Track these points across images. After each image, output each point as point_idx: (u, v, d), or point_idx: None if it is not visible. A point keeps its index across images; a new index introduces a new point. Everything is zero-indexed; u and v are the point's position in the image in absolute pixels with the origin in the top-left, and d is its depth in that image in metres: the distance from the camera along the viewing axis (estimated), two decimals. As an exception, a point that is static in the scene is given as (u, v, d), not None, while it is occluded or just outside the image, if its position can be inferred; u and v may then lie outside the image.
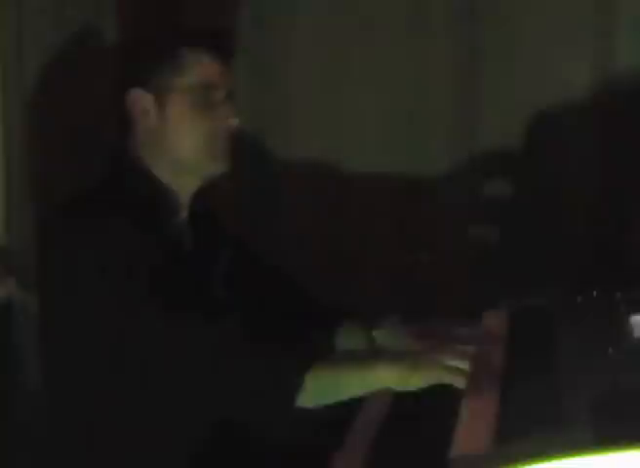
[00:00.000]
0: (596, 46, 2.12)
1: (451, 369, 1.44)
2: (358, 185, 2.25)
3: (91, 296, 1.49)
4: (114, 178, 1.62)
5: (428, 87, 2.20)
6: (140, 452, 1.57)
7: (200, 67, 1.59)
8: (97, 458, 1.57)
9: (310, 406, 1.45)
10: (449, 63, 2.19)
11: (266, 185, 2.28)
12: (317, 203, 2.27)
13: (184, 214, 1.66)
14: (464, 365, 1.46)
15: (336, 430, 1.51)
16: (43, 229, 1.65)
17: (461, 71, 2.19)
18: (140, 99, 1.59)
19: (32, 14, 2.18)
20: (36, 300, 1.98)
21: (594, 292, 1.66)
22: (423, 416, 1.46)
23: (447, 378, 1.43)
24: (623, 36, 2.10)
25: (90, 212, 1.54)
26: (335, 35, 2.22)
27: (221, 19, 2.15)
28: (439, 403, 1.42)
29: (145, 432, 1.56)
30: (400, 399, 1.50)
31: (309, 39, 2.23)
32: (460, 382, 1.42)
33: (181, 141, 1.60)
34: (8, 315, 2.07)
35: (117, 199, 1.56)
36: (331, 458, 1.44)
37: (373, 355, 1.57)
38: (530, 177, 2.19)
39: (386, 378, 1.44)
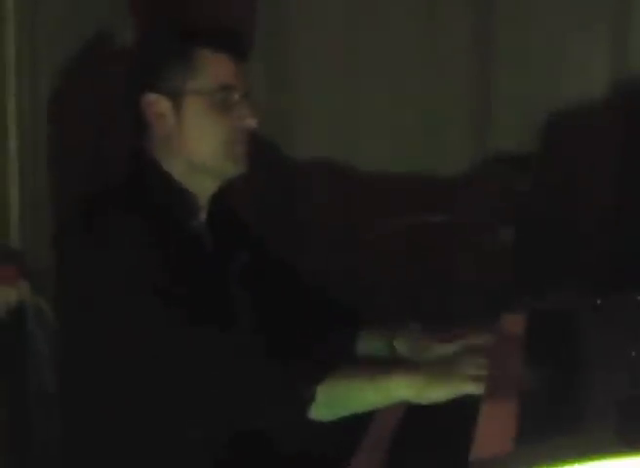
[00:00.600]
0: (613, 45, 2.10)
1: (471, 377, 1.40)
2: (373, 186, 2.23)
3: (109, 298, 1.47)
4: (132, 180, 1.60)
5: (443, 87, 2.18)
6: (153, 459, 1.55)
7: (215, 69, 1.57)
8: (110, 463, 1.56)
9: (323, 418, 1.42)
10: (463, 63, 2.17)
11: (281, 186, 2.26)
12: (331, 204, 2.25)
13: (203, 215, 1.65)
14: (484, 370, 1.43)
15: (348, 439, 1.49)
16: (61, 230, 1.63)
17: (476, 71, 2.17)
18: (156, 103, 1.57)
19: (46, 16, 2.18)
20: (49, 304, 1.99)
21: (614, 295, 1.64)
22: (439, 422, 1.44)
23: (468, 388, 1.38)
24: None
25: (109, 213, 1.52)
26: (348, 36, 2.21)
27: (237, 19, 2.13)
28: (456, 407, 1.40)
29: (158, 438, 1.54)
30: (414, 406, 1.48)
31: (323, 39, 2.21)
32: (480, 389, 1.38)
33: (199, 145, 1.58)
34: (22, 319, 2.07)
35: (135, 201, 1.54)
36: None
37: (388, 367, 1.51)
38: (547, 178, 2.17)
39: (404, 392, 1.40)
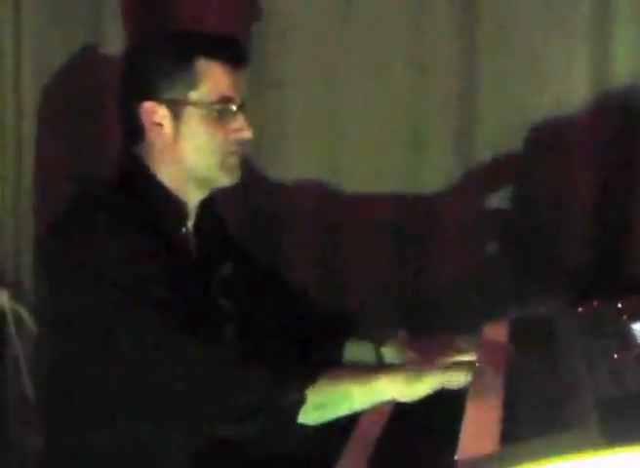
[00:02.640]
0: (594, 55, 2.12)
1: (454, 368, 1.41)
2: (357, 200, 2.23)
3: (93, 301, 1.46)
4: (121, 186, 1.58)
5: (426, 103, 2.20)
6: (136, 464, 1.54)
7: (215, 80, 1.55)
8: (92, 466, 1.54)
9: (311, 422, 1.42)
10: (448, 74, 2.18)
11: (265, 198, 2.26)
12: (315, 221, 2.25)
13: (191, 222, 1.64)
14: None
15: (333, 441, 1.49)
16: (47, 234, 1.60)
17: (458, 86, 2.18)
18: (154, 112, 1.55)
19: (32, 22, 2.19)
20: (29, 311, 1.98)
21: (595, 302, 1.65)
22: (424, 423, 1.44)
23: (452, 380, 1.39)
24: (621, 41, 2.10)
25: (97, 217, 1.51)
26: (332, 47, 2.22)
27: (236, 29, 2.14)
28: (441, 408, 1.41)
29: (139, 445, 1.53)
30: (400, 407, 1.48)
31: (307, 53, 2.22)
32: (464, 379, 1.39)
33: (195, 155, 1.57)
34: (1, 326, 2.06)
35: (124, 206, 1.53)
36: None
37: (375, 369, 1.53)
38: (528, 188, 2.18)
39: (390, 390, 1.41)
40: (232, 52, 1.58)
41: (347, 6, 2.20)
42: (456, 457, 1.18)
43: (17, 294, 2.13)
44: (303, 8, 2.21)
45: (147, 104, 1.55)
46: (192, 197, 1.62)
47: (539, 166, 2.17)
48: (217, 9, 2.19)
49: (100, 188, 1.61)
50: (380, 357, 1.68)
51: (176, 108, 1.55)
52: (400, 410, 1.47)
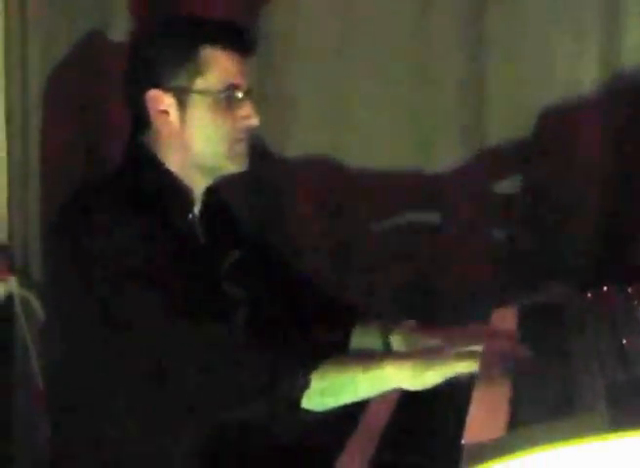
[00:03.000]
0: (603, 41, 2.10)
1: (463, 356, 1.39)
2: (364, 183, 2.22)
3: (101, 288, 1.46)
4: (129, 173, 1.58)
5: (435, 83, 2.18)
6: (142, 451, 1.54)
7: (221, 67, 1.54)
8: (100, 453, 1.54)
9: (316, 408, 1.41)
10: (455, 58, 2.16)
11: (270, 182, 2.25)
12: (322, 201, 2.24)
13: (197, 209, 1.64)
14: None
15: (340, 429, 1.49)
16: (54, 221, 1.60)
17: (468, 67, 2.17)
18: (160, 100, 1.55)
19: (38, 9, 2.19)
20: (37, 297, 1.99)
21: (604, 287, 1.64)
22: (431, 409, 1.43)
23: (460, 368, 1.37)
24: (632, 25, 2.08)
25: (104, 204, 1.50)
26: (339, 30, 2.20)
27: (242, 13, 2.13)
28: (448, 394, 1.40)
29: (147, 430, 1.53)
30: (406, 395, 1.47)
31: (314, 34, 2.20)
32: (472, 368, 1.37)
33: (202, 143, 1.56)
34: (9, 311, 2.07)
35: (131, 193, 1.52)
36: (335, 458, 1.42)
37: (381, 356, 1.53)
38: (538, 173, 2.16)
39: (396, 378, 1.39)
40: (238, 39, 1.57)
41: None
42: (462, 441, 1.18)
43: (25, 281, 2.14)
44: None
45: (153, 92, 1.54)
46: (198, 184, 1.62)
47: (548, 151, 2.15)
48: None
49: (107, 175, 1.62)
50: (387, 345, 1.67)
51: (181, 96, 1.54)
52: (408, 398, 1.46)
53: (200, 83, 1.54)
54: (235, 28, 1.59)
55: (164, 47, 1.55)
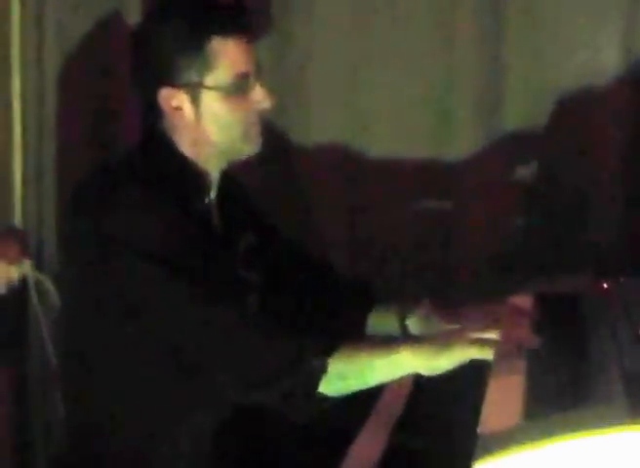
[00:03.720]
0: (625, 25, 2.07)
1: (480, 341, 1.39)
2: (380, 169, 2.21)
3: (116, 271, 1.46)
4: (144, 157, 1.58)
5: (453, 70, 2.16)
6: (157, 438, 1.54)
7: (230, 58, 1.53)
8: (115, 437, 1.55)
9: (333, 393, 1.42)
10: (474, 45, 2.14)
11: (288, 167, 2.25)
12: (337, 186, 2.23)
13: (214, 193, 1.64)
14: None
15: (355, 413, 1.48)
16: (70, 205, 1.60)
17: (487, 54, 2.14)
18: (172, 97, 1.54)
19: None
20: (52, 281, 1.99)
21: (621, 277, 1.63)
22: (447, 396, 1.43)
23: (476, 354, 1.38)
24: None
25: (119, 186, 1.50)
26: (358, 17, 2.18)
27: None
28: (463, 381, 1.39)
29: (164, 416, 1.54)
30: (422, 381, 1.47)
31: (331, 20, 2.19)
32: (488, 354, 1.37)
33: (218, 133, 1.56)
34: (24, 295, 2.07)
35: (147, 177, 1.52)
36: (349, 442, 1.42)
37: (398, 340, 1.52)
38: (556, 161, 2.14)
39: (413, 363, 1.40)
40: (244, 24, 1.56)
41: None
42: (478, 431, 1.17)
43: (40, 264, 2.14)
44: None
45: (164, 91, 1.54)
46: (214, 168, 1.62)
47: (567, 137, 2.13)
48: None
49: (123, 159, 1.61)
50: (404, 328, 1.67)
51: (193, 91, 1.54)
52: (423, 382, 1.46)
53: (210, 78, 1.53)
54: (242, 12, 1.57)
55: (170, 44, 1.53)
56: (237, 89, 1.54)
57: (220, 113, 1.55)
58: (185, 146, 1.58)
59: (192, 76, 1.53)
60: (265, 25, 1.58)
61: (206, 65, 1.53)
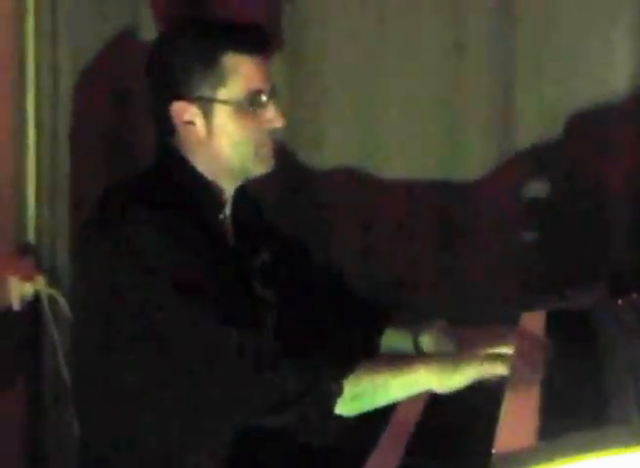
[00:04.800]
0: (635, 43, 2.08)
1: (492, 359, 1.40)
2: (395, 189, 2.21)
3: (131, 288, 1.46)
4: (158, 174, 1.58)
5: (464, 90, 2.17)
6: (172, 455, 1.53)
7: (243, 74, 1.54)
8: (128, 452, 1.54)
9: (349, 413, 1.41)
10: (484, 64, 2.15)
11: (301, 187, 2.25)
12: (351, 208, 2.24)
13: (228, 210, 1.64)
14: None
15: (369, 432, 1.48)
16: (86, 222, 1.59)
17: (498, 74, 2.15)
18: (185, 111, 1.55)
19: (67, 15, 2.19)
20: (64, 296, 2.00)
21: (635, 294, 1.63)
22: (461, 416, 1.43)
23: (489, 371, 1.38)
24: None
25: (135, 204, 1.50)
26: (368, 33, 2.20)
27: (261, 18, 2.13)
28: (477, 401, 1.39)
29: (176, 432, 1.52)
30: (435, 399, 1.47)
31: (344, 39, 2.20)
32: (501, 371, 1.37)
33: (229, 150, 1.56)
34: (37, 310, 2.08)
35: (162, 193, 1.52)
36: (364, 460, 1.41)
37: (411, 359, 1.52)
38: (569, 177, 2.15)
39: (427, 381, 1.40)
40: (260, 42, 1.57)
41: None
42: (493, 451, 1.17)
43: (53, 280, 2.15)
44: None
45: (177, 105, 1.54)
46: (228, 185, 1.62)
47: (579, 154, 2.13)
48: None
49: (139, 175, 1.61)
50: (417, 346, 1.66)
51: (206, 106, 1.54)
52: (436, 401, 1.46)
53: (223, 92, 1.54)
54: (256, 31, 1.58)
55: (185, 58, 1.54)
56: (249, 105, 1.55)
57: (232, 129, 1.55)
58: (199, 163, 1.58)
59: (205, 90, 1.53)
60: (277, 45, 1.58)
61: (219, 80, 1.53)
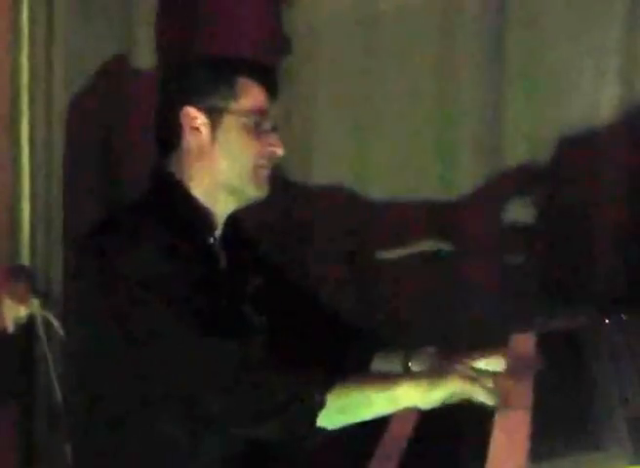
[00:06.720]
0: (623, 66, 2.10)
1: (472, 373, 1.42)
2: (384, 211, 2.23)
3: (123, 309, 1.49)
4: (153, 197, 1.63)
5: (454, 109, 2.19)
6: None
7: (253, 95, 1.62)
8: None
9: (331, 426, 1.43)
10: (474, 86, 2.18)
11: (292, 211, 2.27)
12: (341, 228, 2.26)
13: (218, 233, 1.67)
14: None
15: (361, 448, 1.49)
16: (79, 246, 1.64)
17: (487, 96, 2.17)
18: (194, 117, 1.61)
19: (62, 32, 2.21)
20: (58, 318, 2.00)
21: (623, 314, 1.64)
22: (452, 435, 1.44)
23: (470, 386, 1.40)
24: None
25: (129, 229, 1.55)
26: (359, 54, 2.22)
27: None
28: (469, 422, 1.40)
29: (166, 448, 1.55)
30: (428, 417, 1.48)
31: (335, 60, 2.23)
32: (486, 398, 1.39)
33: (229, 163, 1.62)
34: (31, 332, 2.09)
35: (156, 218, 1.57)
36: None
37: (396, 375, 1.55)
38: (557, 199, 2.17)
39: (410, 397, 1.42)
40: (269, 78, 1.66)
41: (375, 10, 2.20)
42: (484, 473, 1.18)
43: (47, 303, 2.16)
44: (330, 17, 2.23)
45: (188, 109, 1.61)
46: (221, 208, 1.65)
47: (567, 175, 2.15)
48: (247, 34, 2.22)
49: (134, 200, 1.66)
50: (407, 370, 1.68)
51: (215, 115, 1.61)
52: (428, 419, 1.47)
53: (233, 104, 1.61)
54: (267, 68, 1.69)
55: (204, 72, 1.63)
56: (254, 123, 1.61)
57: (235, 141, 1.61)
58: (194, 183, 1.62)
59: (217, 101, 1.61)
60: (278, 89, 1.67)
61: (231, 94, 1.61)
